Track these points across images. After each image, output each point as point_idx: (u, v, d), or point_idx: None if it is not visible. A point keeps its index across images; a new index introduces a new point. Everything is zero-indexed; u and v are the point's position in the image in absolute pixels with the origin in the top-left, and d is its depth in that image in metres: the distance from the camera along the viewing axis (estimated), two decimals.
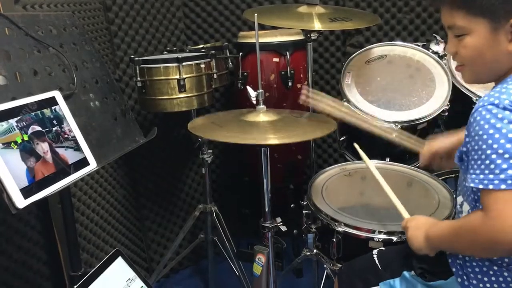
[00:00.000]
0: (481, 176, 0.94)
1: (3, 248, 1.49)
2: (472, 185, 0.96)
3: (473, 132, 0.97)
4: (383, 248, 1.38)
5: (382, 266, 1.28)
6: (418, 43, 2.08)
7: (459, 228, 1.04)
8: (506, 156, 0.91)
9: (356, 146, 1.67)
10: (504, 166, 0.91)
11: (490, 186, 0.92)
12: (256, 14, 1.52)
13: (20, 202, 1.00)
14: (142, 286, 1.32)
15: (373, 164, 1.55)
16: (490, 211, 0.93)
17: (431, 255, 1.13)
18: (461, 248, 1.07)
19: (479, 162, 0.95)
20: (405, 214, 1.30)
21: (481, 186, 0.94)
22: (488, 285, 1.06)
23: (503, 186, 0.91)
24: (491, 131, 0.93)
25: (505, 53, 1.02)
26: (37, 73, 1.26)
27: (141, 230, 2.37)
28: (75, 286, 1.16)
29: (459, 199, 1.18)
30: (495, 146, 0.92)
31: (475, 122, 0.97)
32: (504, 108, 0.93)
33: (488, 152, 0.93)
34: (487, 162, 0.93)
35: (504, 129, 0.92)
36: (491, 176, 0.92)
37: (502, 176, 0.91)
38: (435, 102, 1.90)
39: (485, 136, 0.94)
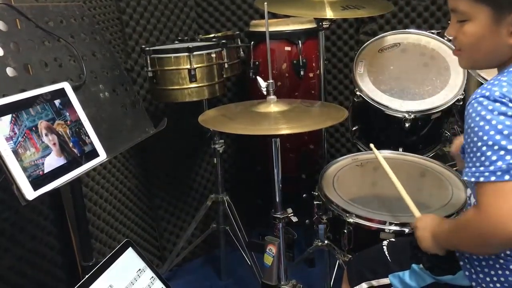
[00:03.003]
0: (473, 169, 0.94)
1: (17, 237, 1.51)
2: (465, 178, 0.96)
3: (466, 125, 0.97)
4: (393, 240, 1.37)
5: (392, 258, 1.27)
6: (433, 31, 2.03)
7: (457, 225, 1.06)
8: (496, 147, 0.90)
9: (372, 146, 1.62)
10: (494, 157, 0.90)
11: (481, 179, 0.92)
12: (265, 3, 1.50)
13: (30, 193, 1.01)
14: (152, 277, 1.33)
15: (384, 162, 1.50)
16: (480, 204, 0.93)
17: (440, 254, 1.14)
18: (461, 245, 1.07)
19: (471, 155, 0.95)
20: (416, 213, 1.29)
21: (473, 179, 0.93)
22: (495, 278, 1.05)
23: (492, 178, 0.90)
24: (481, 123, 0.93)
25: (504, 45, 1.00)
26: (46, 65, 1.26)
27: (153, 219, 2.39)
28: (86, 276, 1.16)
29: (468, 191, 1.18)
30: (485, 138, 0.92)
31: (468, 115, 0.97)
32: (495, 100, 0.93)
33: (479, 144, 0.93)
34: (478, 154, 0.93)
35: (494, 121, 0.91)
36: (481, 168, 0.92)
37: (491, 168, 0.90)
38: (450, 91, 1.86)
39: (476, 129, 0.94)
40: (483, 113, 0.93)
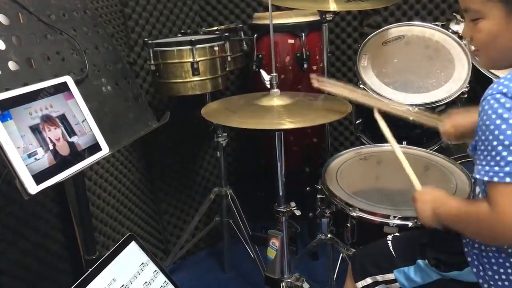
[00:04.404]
0: (487, 168, 0.92)
1: (21, 231, 1.52)
2: (478, 176, 0.94)
3: (480, 122, 0.95)
4: (397, 234, 1.36)
5: (396, 253, 1.27)
6: (438, 23, 2.01)
7: (466, 213, 1.02)
8: None
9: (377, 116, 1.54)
10: (510, 158, 0.88)
11: (495, 179, 0.90)
12: None
13: (32, 188, 1.00)
14: (155, 270, 1.33)
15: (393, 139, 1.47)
16: (494, 204, 0.91)
17: (438, 228, 1.12)
18: (466, 232, 1.08)
19: (485, 153, 0.93)
20: (417, 185, 1.26)
21: (486, 178, 0.92)
22: (504, 276, 1.04)
23: (508, 179, 0.88)
24: (498, 122, 0.90)
25: None
26: (48, 59, 1.26)
27: (157, 212, 2.39)
28: (89, 270, 1.17)
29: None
30: (501, 137, 0.90)
31: (483, 111, 0.94)
32: None
33: (495, 143, 0.91)
34: (493, 153, 0.91)
35: (511, 120, 0.89)
36: (496, 168, 0.90)
37: (507, 169, 0.89)
38: (454, 84, 1.85)
39: (492, 127, 0.91)
40: (499, 111, 0.90)
